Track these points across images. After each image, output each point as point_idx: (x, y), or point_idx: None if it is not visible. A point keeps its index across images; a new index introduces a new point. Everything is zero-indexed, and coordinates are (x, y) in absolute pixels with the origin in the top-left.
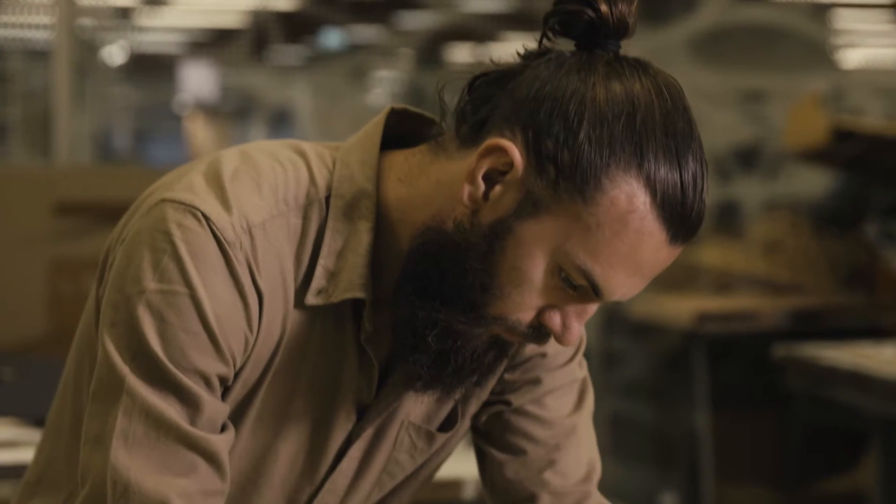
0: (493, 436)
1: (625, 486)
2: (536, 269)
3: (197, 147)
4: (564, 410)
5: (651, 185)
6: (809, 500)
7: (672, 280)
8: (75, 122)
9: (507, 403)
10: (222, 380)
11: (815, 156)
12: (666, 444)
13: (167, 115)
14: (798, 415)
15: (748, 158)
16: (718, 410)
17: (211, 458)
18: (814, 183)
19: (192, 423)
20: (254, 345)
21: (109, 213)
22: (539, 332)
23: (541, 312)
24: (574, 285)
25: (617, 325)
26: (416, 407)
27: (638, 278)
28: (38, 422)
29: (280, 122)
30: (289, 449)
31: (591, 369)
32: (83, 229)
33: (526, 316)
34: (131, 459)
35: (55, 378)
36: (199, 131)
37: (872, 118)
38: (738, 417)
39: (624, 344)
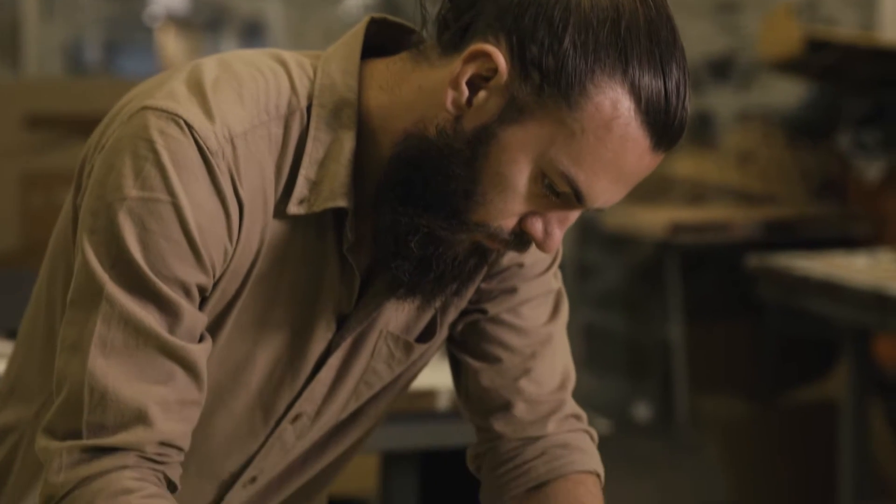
0: (468, 344)
1: (598, 397)
2: (520, 175)
3: (168, 59)
4: (540, 320)
5: (635, 92)
6: (782, 409)
7: (645, 191)
8: (44, 33)
9: (484, 312)
10: (201, 289)
11: (789, 66)
12: (639, 355)
13: (138, 26)
14: (771, 325)
15: (721, 69)
16: (692, 321)
17: (189, 367)
18: (787, 93)
19: (171, 332)
20: (233, 255)
21: (81, 126)
22: (521, 239)
23: (523, 219)
24: (557, 192)
25: (591, 236)
26: (395, 317)
27: (620, 185)
28: (10, 334)
29: (252, 35)
30: (267, 358)
31: (565, 281)
32: (54, 142)
33: (508, 223)
34: (109, 367)
35: (28, 291)
36: (171, 43)
37: (846, 28)
38: (712, 328)
39: (598, 255)
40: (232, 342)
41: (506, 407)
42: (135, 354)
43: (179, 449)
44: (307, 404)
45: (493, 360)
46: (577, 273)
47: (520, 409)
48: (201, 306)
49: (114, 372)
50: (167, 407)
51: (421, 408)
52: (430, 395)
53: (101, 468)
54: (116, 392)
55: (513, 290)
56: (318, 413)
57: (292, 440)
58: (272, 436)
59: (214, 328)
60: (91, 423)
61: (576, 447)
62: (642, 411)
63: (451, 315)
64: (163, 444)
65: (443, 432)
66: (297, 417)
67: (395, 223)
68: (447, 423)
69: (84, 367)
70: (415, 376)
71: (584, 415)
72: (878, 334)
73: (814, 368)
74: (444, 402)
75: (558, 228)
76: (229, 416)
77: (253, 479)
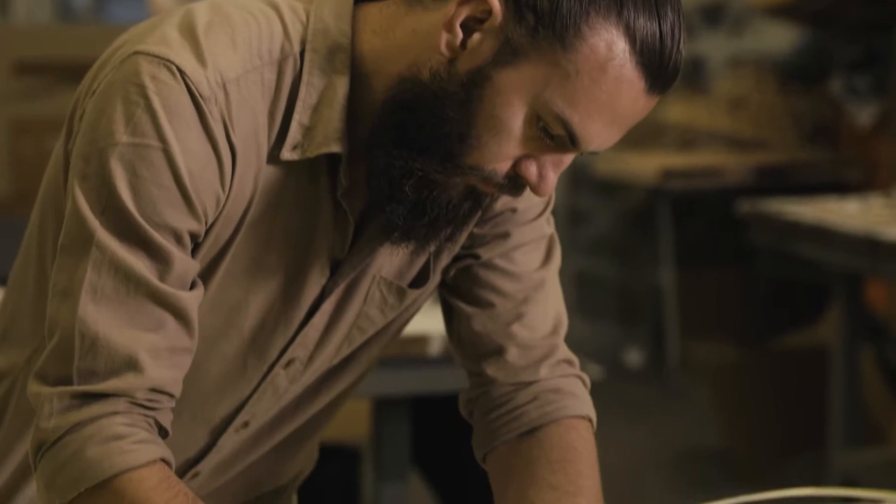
0: (461, 290)
1: (590, 343)
2: (514, 117)
3: (157, 5)
4: (532, 265)
5: (630, 34)
6: (773, 354)
7: (636, 137)
8: None
9: (476, 257)
10: (193, 236)
11: (781, 11)
12: (631, 301)
13: None
14: (762, 270)
15: (714, 14)
16: (683, 267)
17: (180, 314)
18: (779, 39)
19: (162, 279)
20: (225, 202)
21: (70, 72)
22: (515, 182)
23: (517, 163)
24: (551, 135)
25: (582, 182)
26: (388, 263)
27: (615, 128)
28: (1, 281)
29: None
30: (260, 303)
31: (556, 227)
32: (44, 89)
33: (502, 166)
34: (100, 313)
35: (18, 238)
36: None
37: None
38: (703, 274)
39: (589, 202)
40: (225, 288)
41: (498, 352)
42: (125, 301)
43: (170, 395)
44: (300, 349)
45: (486, 305)
46: (569, 219)
47: (512, 354)
48: (193, 253)
49: (104, 318)
50: (157, 354)
51: (413, 353)
52: (421, 340)
53: (92, 414)
54: (107, 338)
55: (505, 235)
56: (311, 358)
57: (285, 385)
58: (265, 381)
59: (207, 274)
60: (82, 370)
61: (568, 392)
62: (634, 357)
63: (444, 260)
64: (153, 390)
65: (434, 378)
66: (289, 363)
67: (389, 167)
68: (439, 368)
69: (75, 314)
70: (407, 322)
71: (576, 360)
72: (870, 279)
73: (805, 313)
74: (435, 348)
75: (552, 172)
76: (222, 361)
77: (245, 424)
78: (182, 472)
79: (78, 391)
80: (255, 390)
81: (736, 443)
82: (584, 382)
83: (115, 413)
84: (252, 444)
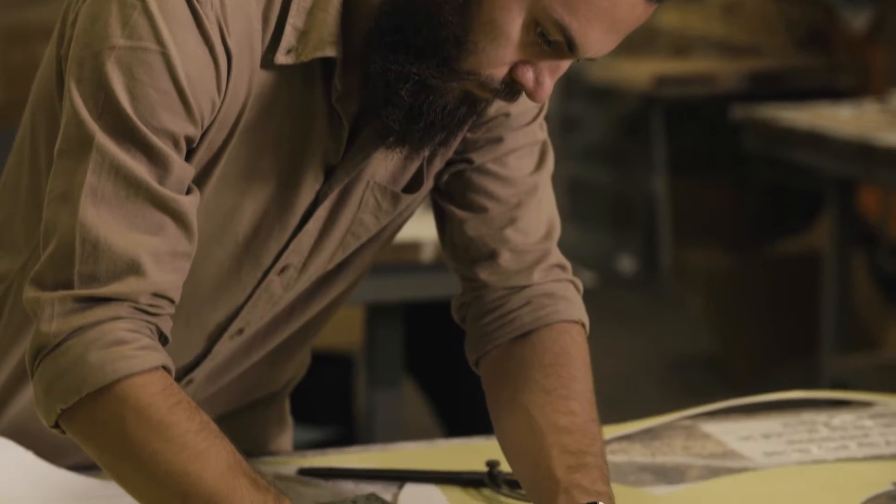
0: (454, 194)
1: (583, 250)
2: (512, 23)
3: None
4: (525, 170)
5: None
6: (765, 261)
7: (630, 43)
8: None
9: (469, 162)
10: (189, 141)
11: None
12: (624, 208)
13: None
14: (755, 176)
15: None
16: (676, 174)
17: (179, 218)
18: None
19: (161, 183)
20: (220, 106)
21: None
22: (511, 88)
23: (513, 68)
24: (549, 41)
25: (575, 89)
26: (382, 168)
27: (613, 34)
28: None
29: None
30: (255, 209)
31: (549, 134)
32: None
33: (499, 72)
34: (100, 217)
35: (9, 146)
36: None
37: None
38: (696, 180)
39: (582, 108)
40: (219, 193)
41: (491, 256)
42: (125, 205)
43: (171, 301)
44: (294, 256)
45: (479, 209)
46: (562, 126)
47: (505, 258)
48: (188, 158)
49: (105, 222)
50: (159, 258)
51: (405, 260)
52: (414, 246)
53: (95, 318)
54: (108, 242)
55: (499, 140)
56: (305, 265)
57: (279, 292)
58: (259, 287)
59: (201, 179)
60: (83, 274)
61: (561, 296)
62: (626, 264)
63: (437, 165)
64: (155, 294)
65: (427, 284)
66: (284, 269)
67: (385, 71)
68: (431, 274)
69: (75, 218)
70: (400, 227)
71: (568, 265)
72: (863, 185)
73: (797, 220)
74: (428, 254)
75: (549, 78)
76: (217, 268)
77: (240, 331)
78: (177, 379)
79: (80, 295)
80: (249, 297)
81: (728, 349)
82: (576, 287)
83: (119, 318)
84: (246, 351)
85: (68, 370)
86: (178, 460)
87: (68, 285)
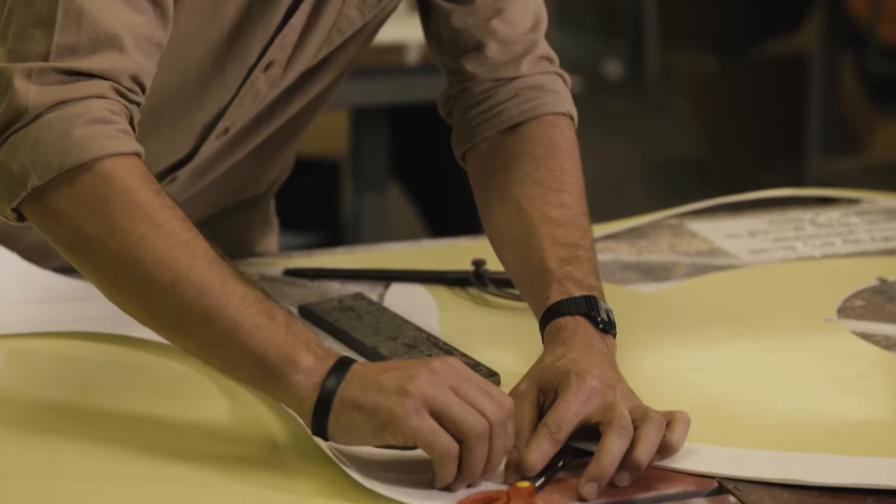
0: None
1: (570, 55)
2: None
3: None
4: None
5: None
6: (752, 63)
7: None
8: None
9: None
10: None
11: None
12: (610, 12)
13: None
14: None
15: None
16: None
17: (158, 4)
18: None
19: None
20: None
21: None
22: None
23: None
24: None
25: None
26: None
27: None
28: None
29: None
30: (238, 3)
31: None
32: None
33: None
34: None
35: None
36: None
37: None
38: None
39: None
40: None
41: (478, 47)
42: None
43: (144, 89)
44: (278, 52)
45: (464, 0)
46: None
47: (492, 49)
48: None
49: None
50: (138, 39)
51: (391, 62)
52: (399, 49)
53: (80, 93)
54: (92, 12)
55: None
56: (290, 61)
57: (265, 90)
58: (244, 85)
59: None
60: (62, 45)
61: (549, 89)
62: (613, 68)
63: None
64: (134, 78)
65: (412, 86)
66: (269, 66)
67: None
68: (416, 76)
69: None
70: (383, 22)
71: (555, 57)
72: None
73: (785, 20)
74: (413, 57)
75: None
76: (201, 66)
77: (226, 130)
78: (160, 178)
79: (62, 67)
80: (235, 96)
81: (714, 152)
82: (564, 80)
83: (101, 97)
84: (229, 149)
85: (48, 143)
86: (168, 245)
87: (44, 57)
